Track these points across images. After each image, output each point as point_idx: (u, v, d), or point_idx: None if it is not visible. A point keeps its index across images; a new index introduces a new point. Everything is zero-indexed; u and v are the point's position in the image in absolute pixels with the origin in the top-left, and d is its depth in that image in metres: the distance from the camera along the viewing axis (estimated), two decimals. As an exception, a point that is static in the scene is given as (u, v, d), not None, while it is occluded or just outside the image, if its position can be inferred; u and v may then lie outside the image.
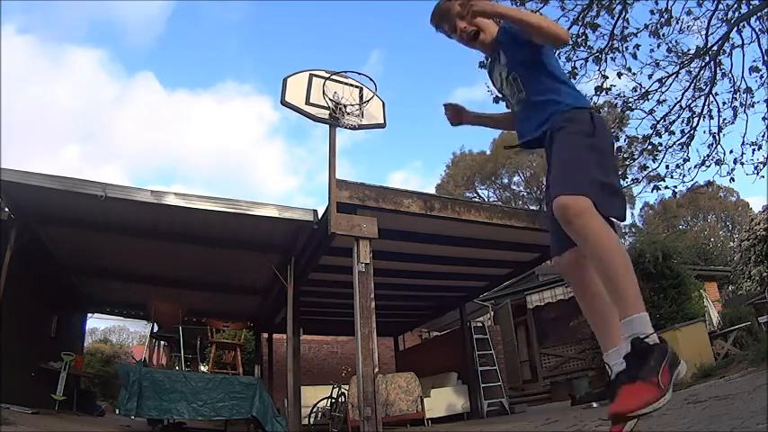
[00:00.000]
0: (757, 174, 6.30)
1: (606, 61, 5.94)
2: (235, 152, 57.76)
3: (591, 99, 6.32)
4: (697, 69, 6.08)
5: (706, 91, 6.13)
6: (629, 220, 32.78)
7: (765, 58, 5.71)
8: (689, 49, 6.16)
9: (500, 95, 2.15)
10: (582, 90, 6.34)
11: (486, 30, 1.95)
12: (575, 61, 5.89)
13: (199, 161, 58.26)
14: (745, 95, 6.09)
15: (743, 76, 5.98)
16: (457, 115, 2.19)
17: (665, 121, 6.31)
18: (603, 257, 1.44)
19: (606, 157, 1.63)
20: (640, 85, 6.24)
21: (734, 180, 6.49)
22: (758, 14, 5.49)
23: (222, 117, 58.21)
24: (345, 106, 6.18)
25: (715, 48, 5.84)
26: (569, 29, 5.73)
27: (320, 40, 51.80)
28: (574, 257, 1.69)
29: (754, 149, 6.29)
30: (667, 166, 6.47)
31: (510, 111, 2.14)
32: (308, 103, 6.10)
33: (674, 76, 6.11)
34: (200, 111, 57.02)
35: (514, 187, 28.95)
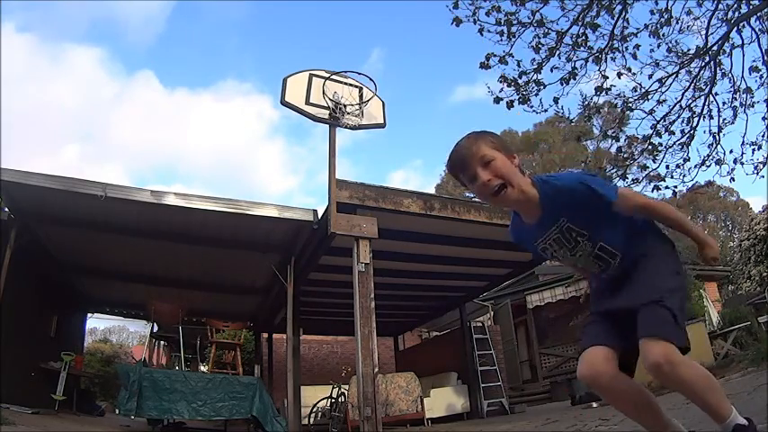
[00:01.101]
0: (757, 174, 6.29)
1: (606, 61, 5.93)
2: (235, 151, 57.97)
3: (591, 99, 6.33)
4: (697, 69, 6.07)
5: (706, 91, 6.12)
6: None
7: (765, 58, 5.70)
8: (689, 49, 6.14)
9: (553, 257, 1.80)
10: (582, 90, 6.38)
11: (514, 183, 1.55)
12: (575, 61, 5.88)
13: (199, 160, 58.45)
14: (745, 95, 6.08)
15: (743, 76, 5.97)
16: None
17: (665, 121, 6.30)
18: (697, 393, 1.50)
19: (685, 293, 1.65)
20: (640, 85, 6.23)
21: (734, 180, 6.47)
22: (758, 14, 5.48)
23: (222, 116, 58.36)
24: (345, 106, 6.18)
25: (715, 48, 5.83)
26: (569, 29, 5.73)
27: (321, 38, 51.92)
28: (607, 355, 1.56)
29: (754, 149, 6.28)
30: (667, 166, 6.45)
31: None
32: (307, 102, 6.11)
33: (674, 76, 6.10)
34: (201, 110, 57.18)
35: (514, 187, 28.90)
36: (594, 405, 6.49)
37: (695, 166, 6.40)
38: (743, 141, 6.31)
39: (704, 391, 1.50)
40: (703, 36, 5.88)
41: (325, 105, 6.12)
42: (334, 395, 8.17)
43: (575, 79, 5.92)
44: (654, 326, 1.45)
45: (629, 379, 1.58)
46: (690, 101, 6.21)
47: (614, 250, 1.61)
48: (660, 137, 6.38)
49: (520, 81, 5.90)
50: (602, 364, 1.54)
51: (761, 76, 5.92)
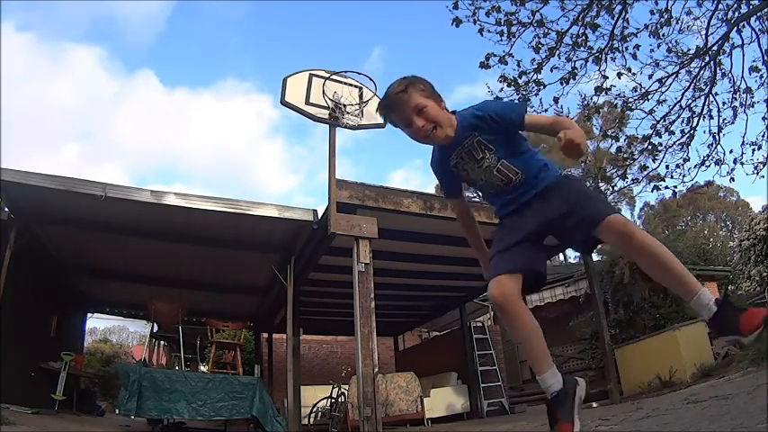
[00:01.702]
0: (757, 174, 6.30)
1: (606, 61, 5.94)
2: (235, 150, 57.97)
3: (591, 99, 6.34)
4: (697, 69, 6.07)
5: (706, 91, 6.13)
6: (628, 220, 32.89)
7: (765, 58, 5.71)
8: (689, 49, 6.15)
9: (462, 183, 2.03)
10: (582, 90, 6.39)
11: (443, 124, 1.81)
12: (575, 61, 5.89)
13: (199, 160, 58.45)
14: (745, 95, 6.09)
15: (743, 76, 5.98)
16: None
17: (664, 121, 6.31)
18: (664, 253, 1.66)
19: None
20: (640, 85, 6.24)
21: (734, 180, 6.50)
22: (758, 14, 5.49)
23: (222, 115, 58.35)
24: (345, 106, 6.18)
25: (715, 48, 5.84)
26: (569, 29, 5.73)
27: (322, 37, 51.89)
28: (517, 283, 1.73)
29: (754, 149, 6.29)
30: (667, 166, 6.47)
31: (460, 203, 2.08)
32: (307, 102, 6.11)
33: (673, 76, 6.11)
34: (201, 109, 57.16)
35: (514, 187, 28.95)
36: (594, 405, 6.50)
37: (695, 166, 6.42)
38: (743, 141, 6.32)
39: (671, 258, 1.66)
40: (703, 36, 5.89)
41: (325, 105, 6.12)
42: (334, 395, 8.17)
43: (575, 79, 5.93)
44: (603, 208, 1.71)
45: (526, 307, 1.76)
46: (690, 101, 6.22)
47: (516, 168, 1.82)
48: (660, 137, 6.39)
49: (520, 81, 5.91)
50: (512, 288, 1.71)
51: (761, 76, 5.93)
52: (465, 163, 1.87)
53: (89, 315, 10.34)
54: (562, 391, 1.70)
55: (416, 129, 1.79)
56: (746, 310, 1.59)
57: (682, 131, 6.35)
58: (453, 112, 1.87)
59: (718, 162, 6.35)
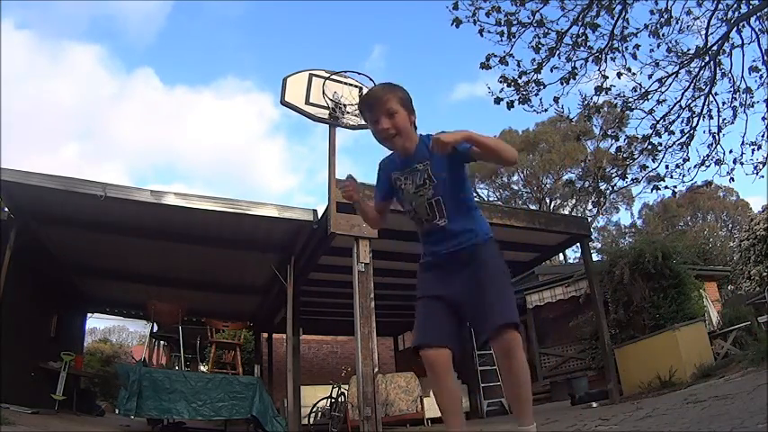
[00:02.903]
0: (757, 174, 6.30)
1: (606, 61, 5.94)
2: (236, 150, 57.77)
3: (591, 99, 6.34)
4: (697, 69, 6.08)
5: (706, 91, 6.13)
6: (628, 220, 32.93)
7: (765, 57, 5.71)
8: (689, 49, 6.16)
9: (397, 203, 2.21)
10: (582, 90, 6.39)
11: (406, 137, 1.91)
12: (575, 61, 5.89)
13: (199, 159, 58.27)
14: (744, 95, 6.09)
15: (743, 76, 5.98)
16: (354, 192, 2.12)
17: (664, 120, 6.31)
18: (523, 378, 1.76)
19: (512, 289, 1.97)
20: (640, 85, 6.24)
21: (733, 180, 6.49)
22: (758, 14, 5.49)
23: (223, 114, 58.20)
24: (345, 106, 6.19)
25: (715, 48, 5.84)
26: (569, 29, 5.73)
27: (322, 35, 51.80)
28: (448, 355, 1.81)
29: (753, 149, 6.29)
30: (667, 166, 6.47)
31: (380, 210, 2.28)
32: (307, 102, 6.12)
33: (673, 76, 6.11)
34: (201, 107, 56.98)
35: (514, 186, 28.99)
36: (594, 405, 6.50)
37: (695, 166, 6.41)
38: (743, 141, 6.32)
39: (528, 383, 1.77)
40: (703, 36, 5.89)
41: (325, 105, 6.13)
42: (334, 395, 8.17)
43: (575, 79, 5.93)
44: (498, 318, 1.74)
45: (457, 384, 1.91)
46: (690, 101, 6.23)
47: (444, 210, 1.91)
48: (660, 137, 6.39)
49: (520, 81, 5.91)
50: (447, 359, 1.81)
51: (761, 76, 5.93)
52: (405, 182, 1.99)
53: (89, 315, 10.35)
54: None
55: (380, 129, 1.89)
56: None
57: (681, 131, 6.35)
58: (419, 135, 1.96)
59: (718, 162, 6.35)
